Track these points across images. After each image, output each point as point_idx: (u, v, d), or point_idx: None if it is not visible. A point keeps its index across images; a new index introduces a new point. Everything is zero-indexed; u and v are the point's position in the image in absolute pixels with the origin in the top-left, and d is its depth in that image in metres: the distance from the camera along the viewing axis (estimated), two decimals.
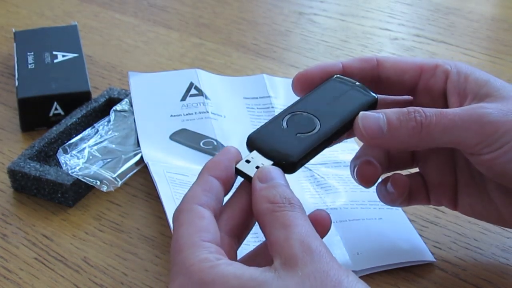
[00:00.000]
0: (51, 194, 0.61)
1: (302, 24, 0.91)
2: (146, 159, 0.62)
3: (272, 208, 0.42)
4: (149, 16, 0.92)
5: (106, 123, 0.67)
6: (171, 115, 0.67)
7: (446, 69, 0.50)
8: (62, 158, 0.62)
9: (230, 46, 0.85)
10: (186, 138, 0.65)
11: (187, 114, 0.67)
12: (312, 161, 0.63)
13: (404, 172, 0.54)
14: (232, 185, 0.45)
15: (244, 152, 0.66)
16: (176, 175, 0.60)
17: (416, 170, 0.55)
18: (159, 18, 0.92)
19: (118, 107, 0.68)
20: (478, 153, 0.47)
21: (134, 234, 0.58)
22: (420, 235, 0.56)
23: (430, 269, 0.54)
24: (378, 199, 0.59)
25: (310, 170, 0.63)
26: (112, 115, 0.67)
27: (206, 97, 0.69)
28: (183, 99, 0.69)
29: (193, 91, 0.70)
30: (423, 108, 0.47)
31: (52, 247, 0.57)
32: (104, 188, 0.61)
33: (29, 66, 0.73)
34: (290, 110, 0.49)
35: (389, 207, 0.58)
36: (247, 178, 0.45)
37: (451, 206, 0.53)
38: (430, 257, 0.54)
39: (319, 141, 0.47)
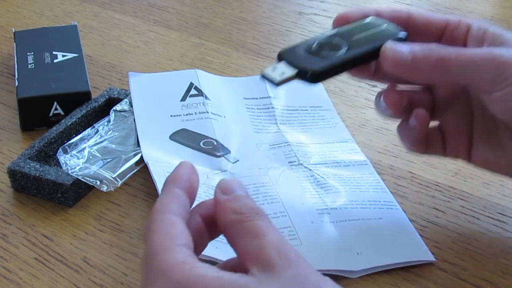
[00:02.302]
0: (51, 194, 0.61)
1: (302, 24, 0.91)
2: (146, 159, 0.62)
3: (240, 219, 0.40)
4: (149, 16, 0.92)
5: (106, 123, 0.67)
6: (171, 115, 0.67)
7: (468, 23, 0.54)
8: (62, 158, 0.63)
9: (230, 46, 0.85)
10: (186, 138, 0.65)
11: (187, 114, 0.67)
12: (312, 161, 0.64)
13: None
14: (195, 197, 0.44)
15: (243, 151, 0.66)
16: None
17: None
18: (159, 18, 0.92)
19: (118, 107, 0.68)
20: (490, 90, 0.50)
21: (134, 234, 0.58)
22: (420, 235, 0.56)
23: (430, 269, 0.54)
24: (378, 199, 0.59)
25: (310, 170, 0.63)
26: (112, 115, 0.67)
27: (206, 98, 0.69)
28: (183, 99, 0.69)
29: (193, 91, 0.70)
30: (445, 45, 0.51)
31: (52, 247, 0.57)
32: (104, 188, 0.61)
33: (29, 66, 0.73)
34: (322, 35, 0.53)
35: (389, 207, 0.59)
36: (271, 82, 0.50)
37: (465, 156, 0.56)
38: (430, 257, 0.54)
39: (343, 59, 0.51)
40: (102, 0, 0.96)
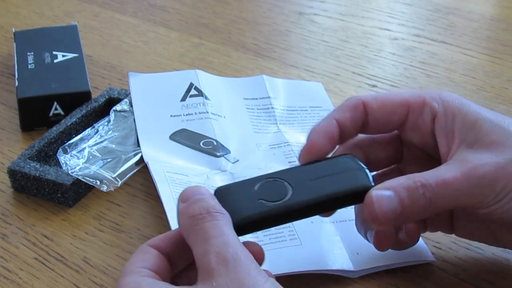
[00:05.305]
0: (51, 194, 0.61)
1: (302, 24, 0.91)
2: (146, 159, 0.62)
3: (192, 223, 0.42)
4: (149, 16, 0.92)
5: (106, 123, 0.67)
6: (171, 115, 0.67)
7: (433, 108, 0.50)
8: (62, 158, 0.63)
9: (230, 46, 0.85)
10: (186, 138, 0.65)
11: (187, 114, 0.67)
12: None
13: None
14: None
15: (242, 151, 0.66)
16: (176, 175, 0.60)
17: None
18: (159, 18, 0.92)
19: (118, 107, 0.68)
20: (476, 208, 0.48)
21: (134, 234, 0.58)
22: (420, 235, 0.56)
23: (430, 269, 0.54)
24: None
25: None
26: (112, 115, 0.67)
27: (206, 98, 0.69)
28: (183, 99, 0.69)
29: (193, 92, 0.70)
30: (427, 179, 0.46)
31: (52, 247, 0.57)
32: (104, 188, 0.61)
33: (29, 66, 0.73)
34: (272, 175, 0.47)
35: None
36: None
37: (447, 232, 0.54)
38: (430, 257, 0.54)
39: (275, 213, 0.45)
40: (102, 0, 0.96)
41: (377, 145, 0.53)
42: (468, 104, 0.50)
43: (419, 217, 0.49)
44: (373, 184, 0.47)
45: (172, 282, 0.44)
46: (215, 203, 0.43)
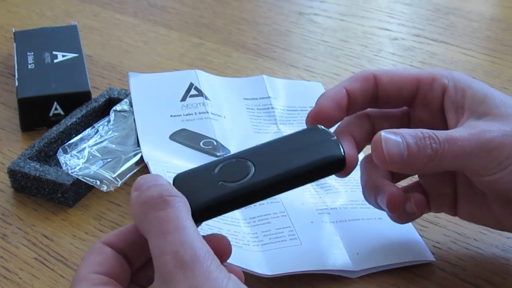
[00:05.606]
0: (51, 194, 0.61)
1: (302, 24, 0.91)
2: (146, 159, 0.62)
3: (144, 210, 0.39)
4: (149, 16, 0.92)
5: (106, 123, 0.67)
6: (171, 115, 0.67)
7: (443, 83, 0.51)
8: (62, 158, 0.63)
9: (230, 46, 0.85)
10: (186, 138, 0.65)
11: (187, 114, 0.67)
12: None
13: (403, 182, 0.55)
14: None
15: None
16: None
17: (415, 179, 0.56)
18: (159, 18, 0.92)
19: (118, 107, 0.68)
20: (481, 175, 0.48)
21: None
22: (420, 235, 0.56)
23: (430, 269, 0.54)
24: None
25: None
26: (112, 115, 0.67)
27: (206, 98, 0.69)
28: (183, 99, 0.69)
29: (193, 92, 0.70)
30: (435, 133, 0.47)
31: (52, 247, 0.57)
32: (104, 188, 0.61)
33: (29, 66, 0.73)
34: (233, 155, 0.44)
35: None
36: None
37: (451, 213, 0.54)
38: (430, 257, 0.54)
39: (236, 194, 0.42)
40: (102, 0, 0.96)
41: (385, 118, 0.53)
42: (478, 82, 0.51)
43: (424, 168, 0.48)
44: (342, 153, 0.45)
45: (131, 280, 0.42)
46: (169, 187, 0.40)
